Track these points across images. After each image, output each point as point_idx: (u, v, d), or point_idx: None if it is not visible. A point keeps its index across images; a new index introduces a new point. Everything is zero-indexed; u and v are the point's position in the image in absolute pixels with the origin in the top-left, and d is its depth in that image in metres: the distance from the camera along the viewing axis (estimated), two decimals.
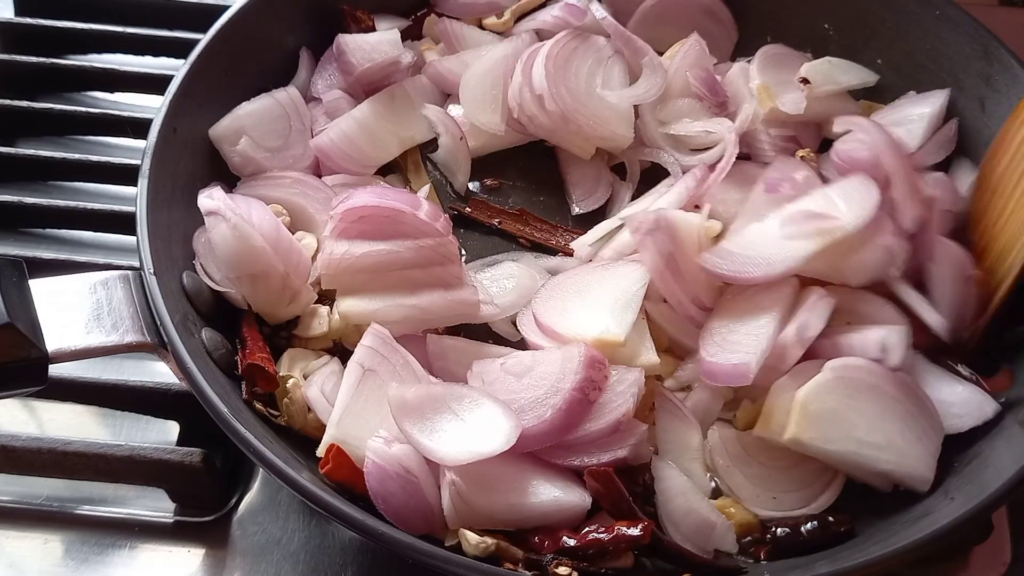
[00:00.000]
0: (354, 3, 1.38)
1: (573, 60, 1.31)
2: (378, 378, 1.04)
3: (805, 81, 1.33)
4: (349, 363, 1.06)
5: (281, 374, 1.08)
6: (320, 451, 1.02)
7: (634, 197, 1.31)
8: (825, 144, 1.33)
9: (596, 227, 1.25)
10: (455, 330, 1.15)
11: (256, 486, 1.16)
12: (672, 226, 1.14)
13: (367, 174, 1.28)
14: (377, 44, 1.32)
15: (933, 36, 1.36)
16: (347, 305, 1.10)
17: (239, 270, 1.11)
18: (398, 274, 1.10)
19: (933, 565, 1.10)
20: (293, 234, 1.17)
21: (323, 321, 1.13)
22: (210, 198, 1.13)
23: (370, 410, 1.02)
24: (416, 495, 0.97)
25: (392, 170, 1.32)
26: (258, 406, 1.06)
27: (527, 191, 1.33)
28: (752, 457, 1.08)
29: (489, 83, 1.32)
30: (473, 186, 1.32)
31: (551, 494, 0.99)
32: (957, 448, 1.10)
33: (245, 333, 1.11)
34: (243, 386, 1.07)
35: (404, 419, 0.99)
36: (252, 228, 1.10)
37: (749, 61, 1.38)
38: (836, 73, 1.37)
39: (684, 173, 1.27)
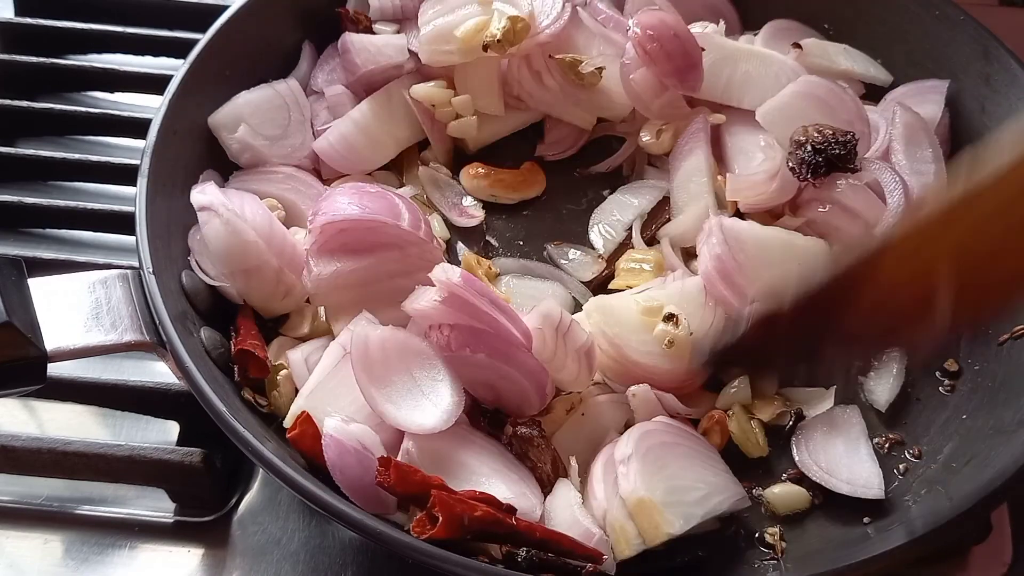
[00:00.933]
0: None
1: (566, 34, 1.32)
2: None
3: (797, 46, 1.34)
4: (332, 343, 1.08)
5: (274, 363, 1.10)
6: (288, 420, 1.03)
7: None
8: None
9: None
10: None
11: (256, 486, 1.15)
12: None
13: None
14: (383, 47, 1.32)
15: (933, 36, 1.36)
16: (340, 326, 1.10)
17: (232, 265, 1.11)
18: (386, 283, 1.10)
19: (932, 565, 1.10)
20: (288, 229, 1.17)
21: (306, 323, 1.15)
22: (202, 193, 1.13)
23: (343, 390, 1.03)
24: (371, 470, 0.96)
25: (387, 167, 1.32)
26: (246, 394, 1.07)
27: None
28: None
29: (485, 69, 1.32)
30: None
31: (501, 494, 0.98)
32: (955, 448, 1.10)
33: (239, 322, 1.12)
34: (235, 370, 1.08)
35: (363, 370, 1.01)
36: (245, 223, 1.11)
37: (755, 34, 1.39)
38: (837, 54, 1.37)
39: None
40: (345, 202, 1.10)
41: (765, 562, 1.04)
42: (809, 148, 1.17)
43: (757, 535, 1.06)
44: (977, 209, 0.87)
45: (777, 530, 1.06)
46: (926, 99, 1.32)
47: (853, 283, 0.93)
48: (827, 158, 1.17)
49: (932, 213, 0.90)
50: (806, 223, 1.22)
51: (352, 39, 1.32)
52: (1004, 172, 0.85)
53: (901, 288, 0.91)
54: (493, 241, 1.29)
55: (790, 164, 1.19)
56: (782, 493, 1.08)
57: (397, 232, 1.10)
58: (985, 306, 0.95)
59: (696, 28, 1.34)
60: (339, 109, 1.30)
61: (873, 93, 1.38)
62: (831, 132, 1.18)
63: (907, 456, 1.12)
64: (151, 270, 1.05)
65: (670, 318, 1.09)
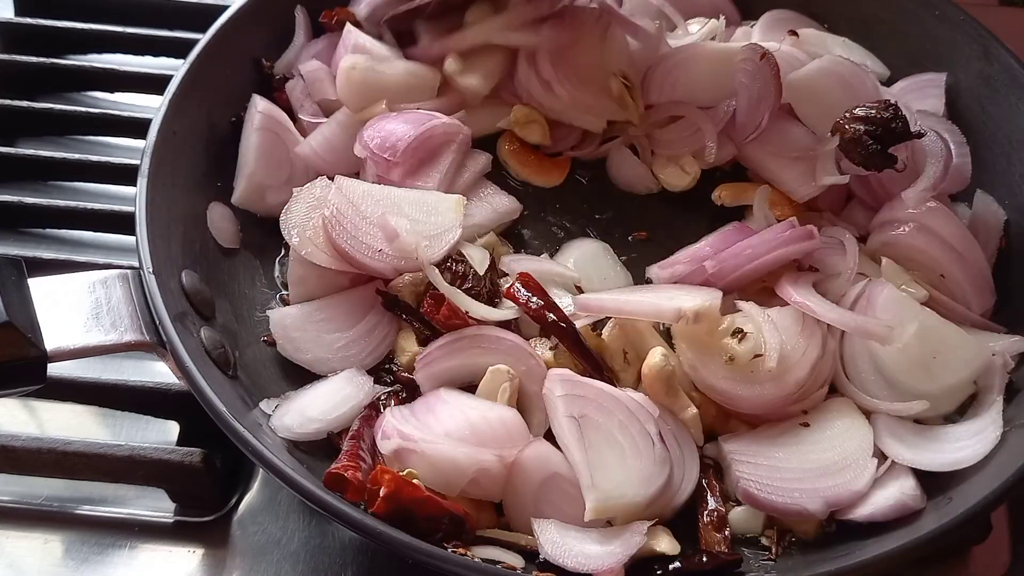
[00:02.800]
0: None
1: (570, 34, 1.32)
2: (593, 421, 1.03)
3: (793, 33, 1.34)
4: (558, 419, 1.04)
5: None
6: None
7: None
8: None
9: None
10: None
11: (256, 486, 1.15)
12: None
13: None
14: None
15: (933, 36, 1.36)
16: None
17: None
18: None
19: (932, 565, 1.10)
20: None
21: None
22: (387, 439, 1.02)
23: (607, 452, 1.02)
24: None
25: None
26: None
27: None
28: None
29: (491, 59, 1.33)
30: None
31: None
32: None
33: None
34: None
35: None
36: (442, 444, 1.02)
37: (752, 25, 1.39)
38: (834, 46, 1.37)
39: None
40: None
41: (764, 562, 1.04)
42: (867, 139, 1.15)
43: (756, 536, 1.06)
44: None
45: (775, 531, 1.06)
46: (926, 93, 1.33)
47: None
48: (883, 133, 1.15)
49: None
50: (883, 245, 1.20)
51: None
52: None
53: None
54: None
55: (857, 163, 1.18)
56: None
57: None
58: None
59: (695, 25, 1.35)
60: (317, 85, 1.29)
61: None
62: (869, 115, 1.16)
63: None
64: (151, 270, 1.05)
65: (737, 333, 1.06)
